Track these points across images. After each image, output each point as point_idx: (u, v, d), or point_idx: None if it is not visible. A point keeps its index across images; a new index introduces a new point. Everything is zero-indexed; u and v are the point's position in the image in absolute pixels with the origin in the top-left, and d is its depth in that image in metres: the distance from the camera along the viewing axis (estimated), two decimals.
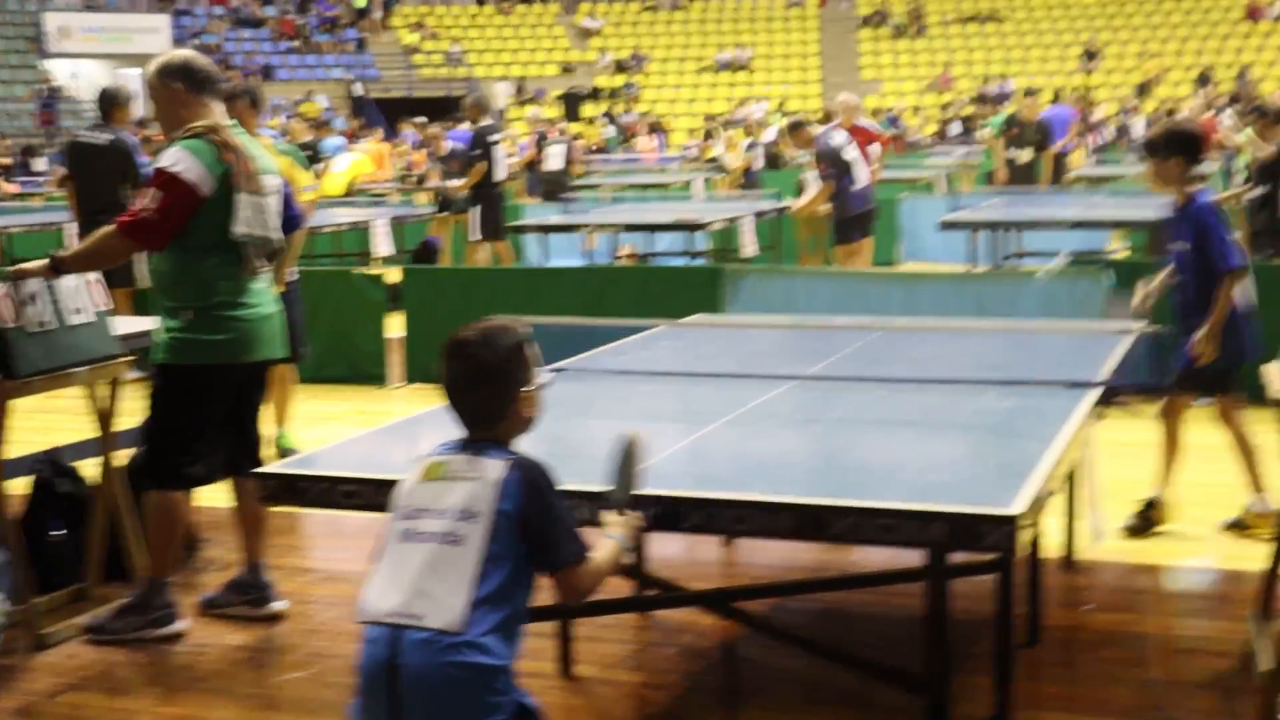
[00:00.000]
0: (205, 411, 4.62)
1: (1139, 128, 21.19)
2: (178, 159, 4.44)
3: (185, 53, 4.79)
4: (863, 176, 11.73)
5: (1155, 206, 11.30)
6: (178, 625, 4.67)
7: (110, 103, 9.37)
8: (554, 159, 17.03)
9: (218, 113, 4.63)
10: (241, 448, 4.77)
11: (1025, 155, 14.38)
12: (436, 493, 2.68)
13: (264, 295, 4.69)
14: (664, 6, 39.76)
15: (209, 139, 4.49)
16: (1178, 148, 5.46)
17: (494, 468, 2.68)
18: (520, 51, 38.20)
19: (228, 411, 4.69)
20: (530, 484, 2.68)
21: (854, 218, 11.58)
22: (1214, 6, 35.59)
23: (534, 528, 2.67)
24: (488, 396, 2.76)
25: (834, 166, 11.40)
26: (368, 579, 2.70)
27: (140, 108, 16.98)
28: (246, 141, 4.66)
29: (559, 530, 2.71)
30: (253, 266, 4.59)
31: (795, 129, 12.43)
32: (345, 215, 13.70)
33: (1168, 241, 5.54)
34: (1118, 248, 12.96)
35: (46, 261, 4.55)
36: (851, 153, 11.72)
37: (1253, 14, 34.44)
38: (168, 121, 4.64)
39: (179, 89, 4.58)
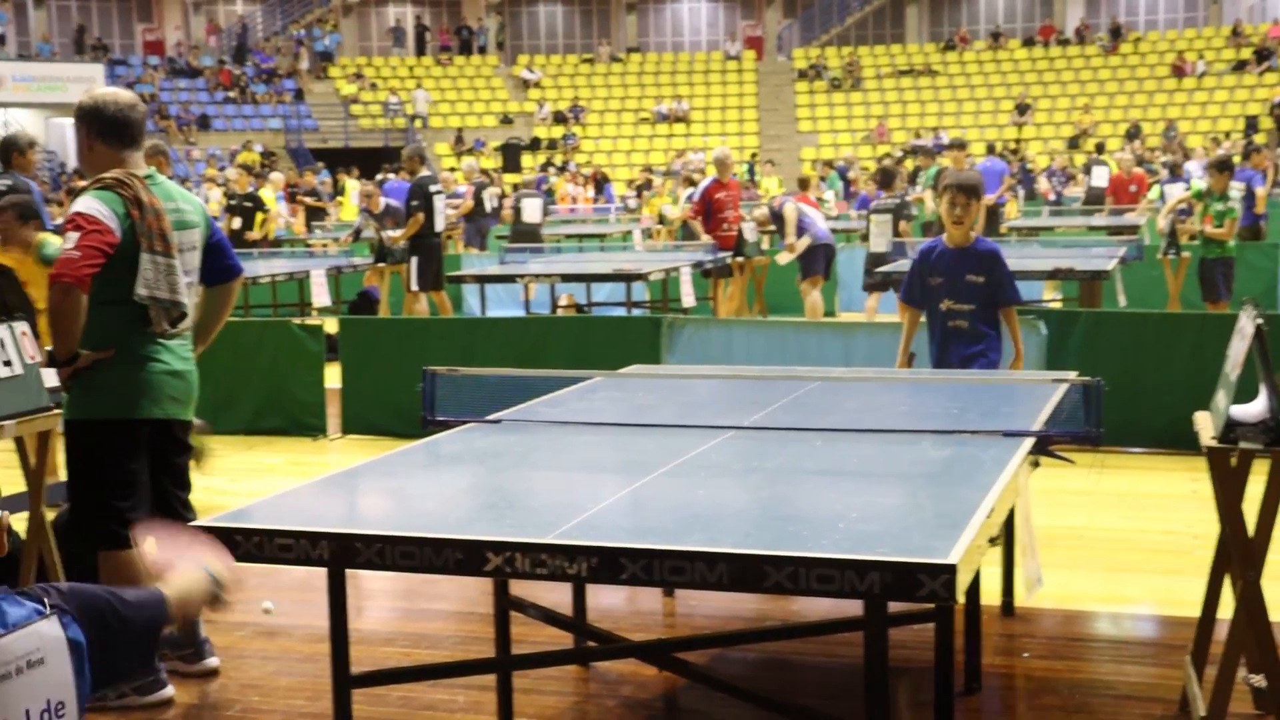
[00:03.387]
0: (121, 466, 4.34)
1: (1100, 176, 21.18)
2: (89, 204, 4.24)
3: (102, 94, 4.44)
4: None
5: (1088, 257, 11.51)
6: (166, 692, 4.44)
7: (10, 148, 9.35)
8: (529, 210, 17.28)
9: (133, 162, 4.40)
10: (162, 509, 4.48)
11: None
12: None
13: (174, 352, 4.43)
14: (602, 59, 40.02)
15: (118, 191, 4.28)
16: (977, 193, 6.01)
17: (47, 629, 1.97)
18: (459, 103, 38.28)
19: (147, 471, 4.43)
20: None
21: (818, 249, 13.08)
22: (1141, 64, 36.37)
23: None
24: None
25: (803, 219, 13.02)
26: None
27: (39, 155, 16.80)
28: (168, 191, 4.44)
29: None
30: (159, 328, 4.35)
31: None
32: (283, 265, 13.63)
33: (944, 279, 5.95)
34: (1053, 298, 13.14)
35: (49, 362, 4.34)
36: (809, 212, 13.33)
37: (1178, 71, 35.26)
38: (82, 163, 4.49)
39: (84, 132, 4.39)
